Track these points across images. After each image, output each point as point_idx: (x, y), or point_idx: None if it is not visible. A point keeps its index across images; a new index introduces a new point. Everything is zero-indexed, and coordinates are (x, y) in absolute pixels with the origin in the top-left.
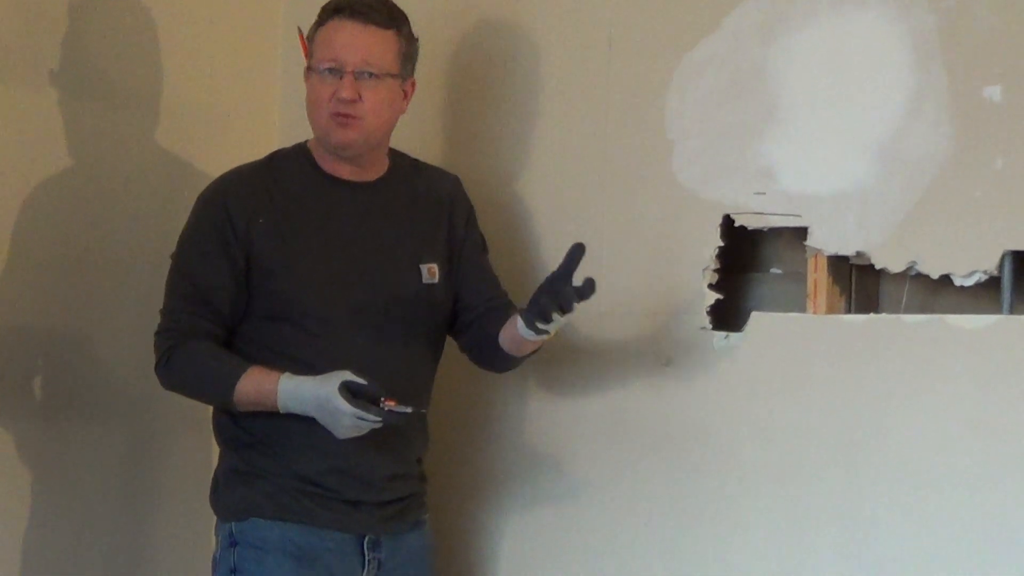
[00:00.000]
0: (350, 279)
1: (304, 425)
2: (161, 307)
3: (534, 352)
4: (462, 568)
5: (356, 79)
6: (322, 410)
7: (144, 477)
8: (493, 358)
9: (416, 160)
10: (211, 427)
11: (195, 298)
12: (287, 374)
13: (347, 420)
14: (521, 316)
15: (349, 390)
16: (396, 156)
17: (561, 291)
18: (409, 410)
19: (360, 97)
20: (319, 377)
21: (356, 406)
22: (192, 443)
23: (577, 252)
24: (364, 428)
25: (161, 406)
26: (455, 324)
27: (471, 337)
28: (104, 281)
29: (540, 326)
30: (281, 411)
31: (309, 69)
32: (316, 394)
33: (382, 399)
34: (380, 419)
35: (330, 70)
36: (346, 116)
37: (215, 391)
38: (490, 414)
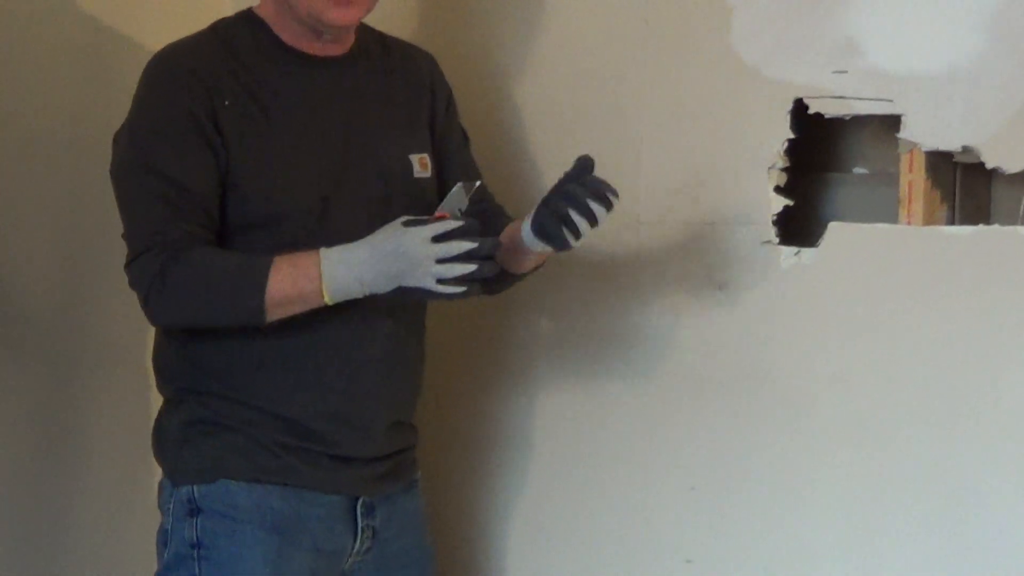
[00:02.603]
0: (338, 174)
1: (294, 359)
2: (125, 231)
3: (535, 269)
4: (457, 540)
5: None
6: (385, 259)
7: (65, 427)
8: None
9: (381, 33)
10: (150, 364)
11: (180, 202)
12: (323, 247)
13: (424, 250)
14: (536, 220)
15: (411, 225)
16: (361, 28)
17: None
18: (478, 183)
19: None
20: (366, 236)
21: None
22: (127, 383)
23: (585, 165)
24: (448, 255)
25: (87, 337)
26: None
27: None
28: (10, 178)
29: (565, 238)
30: (327, 294)
31: None
32: (372, 242)
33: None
34: (462, 222)
35: None
36: None
37: (240, 298)
38: (491, 347)
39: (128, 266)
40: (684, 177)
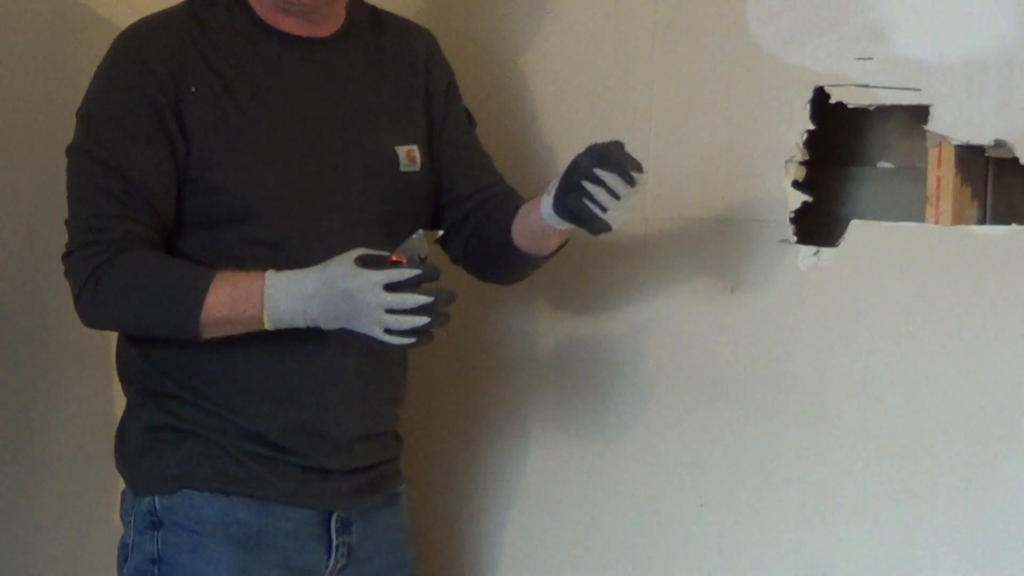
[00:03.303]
0: (316, 168)
1: (258, 367)
2: (68, 218)
3: (560, 249)
4: (447, 558)
5: None
6: (333, 298)
7: (24, 430)
8: (502, 262)
9: (375, 8)
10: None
11: (126, 197)
12: (271, 270)
13: (374, 298)
14: (558, 197)
15: (366, 263)
16: (352, 4)
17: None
18: (440, 233)
19: None
20: (317, 265)
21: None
22: (91, 384)
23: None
24: (400, 307)
25: (49, 334)
26: (441, 225)
27: (468, 238)
28: None
29: (592, 212)
30: (268, 322)
31: None
32: (322, 277)
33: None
34: (420, 271)
35: None
36: None
37: (175, 311)
38: (485, 350)
39: (65, 257)
40: (695, 170)
